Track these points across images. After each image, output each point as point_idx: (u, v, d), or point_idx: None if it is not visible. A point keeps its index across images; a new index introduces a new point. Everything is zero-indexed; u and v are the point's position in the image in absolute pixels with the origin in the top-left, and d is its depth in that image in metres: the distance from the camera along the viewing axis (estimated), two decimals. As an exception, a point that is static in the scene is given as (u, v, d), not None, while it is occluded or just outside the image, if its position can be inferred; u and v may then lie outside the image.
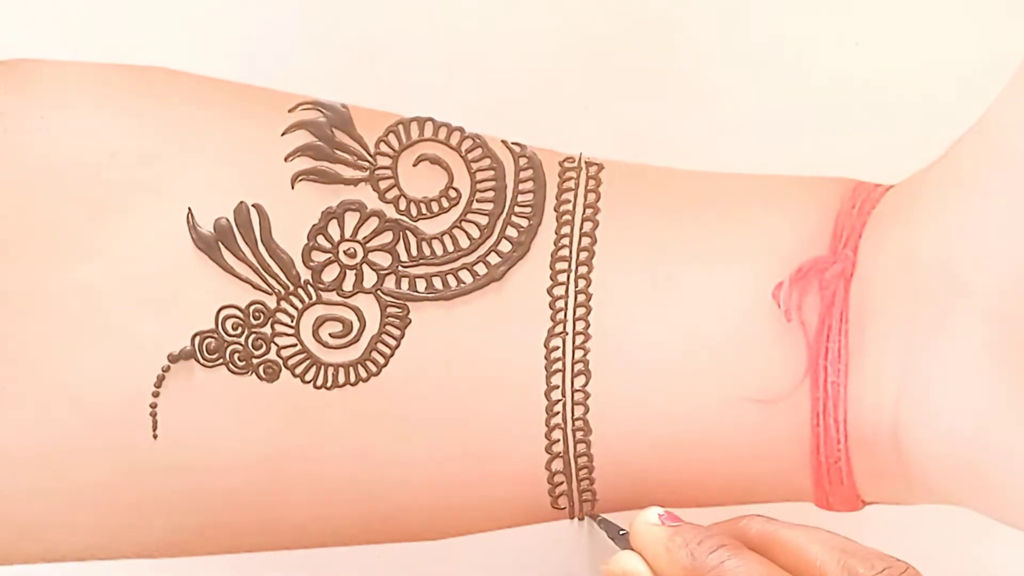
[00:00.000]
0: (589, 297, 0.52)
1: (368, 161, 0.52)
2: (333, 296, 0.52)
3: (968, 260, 0.48)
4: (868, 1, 0.54)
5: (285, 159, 0.51)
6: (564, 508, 0.53)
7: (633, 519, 0.49)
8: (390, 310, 0.52)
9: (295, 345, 0.52)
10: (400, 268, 0.52)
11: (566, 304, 0.52)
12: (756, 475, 0.52)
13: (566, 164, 0.53)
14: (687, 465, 0.52)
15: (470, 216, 0.52)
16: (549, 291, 0.52)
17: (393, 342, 0.52)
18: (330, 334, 0.52)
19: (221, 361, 0.51)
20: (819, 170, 0.53)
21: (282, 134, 0.51)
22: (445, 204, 0.52)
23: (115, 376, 0.51)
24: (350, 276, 0.52)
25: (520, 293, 0.52)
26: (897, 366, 0.50)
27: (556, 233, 0.52)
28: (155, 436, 0.51)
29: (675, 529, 0.47)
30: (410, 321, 0.52)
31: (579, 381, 0.52)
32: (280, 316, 0.52)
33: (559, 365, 0.52)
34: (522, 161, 0.52)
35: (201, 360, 0.51)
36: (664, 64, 0.54)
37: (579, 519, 0.53)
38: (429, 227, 0.52)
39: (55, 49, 0.51)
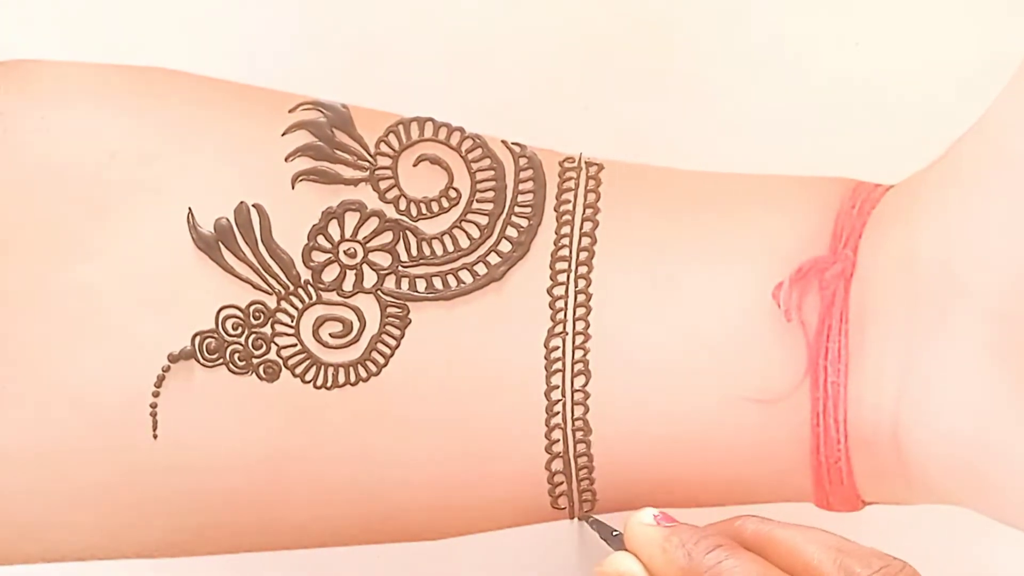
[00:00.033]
0: (589, 297, 0.52)
1: (368, 161, 0.52)
2: (333, 296, 0.52)
3: (968, 260, 0.48)
4: (868, 1, 0.54)
5: (285, 159, 0.51)
6: (564, 508, 0.53)
7: (626, 520, 0.49)
8: (390, 310, 0.52)
9: (295, 345, 0.52)
10: (400, 268, 0.52)
11: (566, 304, 0.52)
12: (756, 475, 0.52)
13: (566, 164, 0.53)
14: (687, 465, 0.52)
15: (470, 216, 0.52)
16: (549, 291, 0.52)
17: (393, 342, 0.52)
18: (330, 334, 0.52)
19: (221, 361, 0.51)
20: (819, 170, 0.53)
21: (282, 134, 0.52)
22: (445, 204, 0.52)
23: (115, 376, 0.51)
24: (350, 276, 0.52)
25: (520, 293, 0.52)
26: (897, 366, 0.50)
27: (556, 233, 0.52)
28: (155, 436, 0.51)
29: (671, 529, 0.47)
30: (410, 321, 0.52)
31: (579, 381, 0.52)
32: (280, 316, 0.52)
33: (559, 365, 0.52)
34: (522, 161, 0.52)
35: (201, 360, 0.51)
36: (664, 64, 0.54)
37: (577, 519, 0.53)
38: (429, 227, 0.52)
39: (55, 49, 0.51)
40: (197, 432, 0.51)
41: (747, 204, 0.52)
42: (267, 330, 0.52)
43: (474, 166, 0.52)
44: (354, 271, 0.52)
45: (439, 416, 0.52)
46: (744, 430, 0.51)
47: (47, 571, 0.52)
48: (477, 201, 0.52)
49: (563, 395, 0.52)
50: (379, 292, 0.52)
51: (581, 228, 0.52)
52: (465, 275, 0.52)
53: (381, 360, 0.52)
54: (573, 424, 0.52)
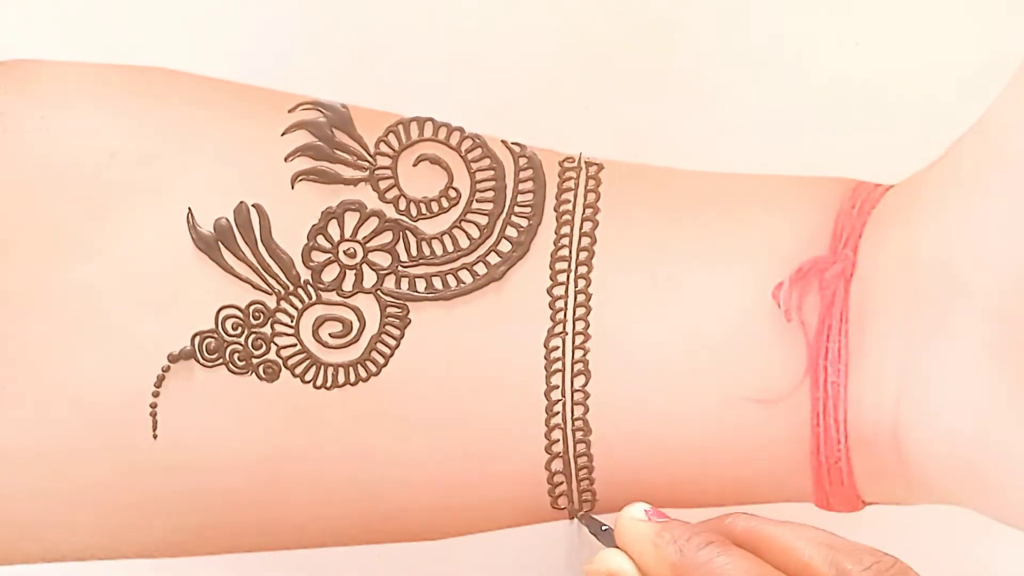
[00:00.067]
0: (589, 297, 0.52)
1: (368, 161, 0.52)
2: (333, 296, 0.52)
3: (968, 260, 0.48)
4: (868, 1, 0.54)
5: (285, 159, 0.52)
6: (564, 508, 0.53)
7: (617, 516, 0.49)
8: (390, 310, 0.52)
9: (295, 345, 0.52)
10: (400, 268, 0.52)
11: (566, 304, 0.52)
12: (756, 475, 0.52)
13: (566, 164, 0.53)
14: (687, 465, 0.52)
15: (470, 216, 0.52)
16: (549, 291, 0.52)
17: (393, 342, 0.52)
18: (330, 334, 0.52)
19: (221, 361, 0.51)
20: (819, 170, 0.53)
21: (282, 134, 0.52)
22: (445, 204, 0.52)
23: (115, 376, 0.51)
24: (350, 276, 0.52)
25: (520, 293, 0.52)
26: (897, 366, 0.50)
27: (556, 233, 0.52)
28: (155, 436, 0.51)
29: (662, 525, 0.47)
30: (410, 321, 0.52)
31: (579, 381, 0.52)
32: (280, 316, 0.52)
33: (559, 365, 0.52)
34: (522, 161, 0.52)
35: (201, 360, 0.51)
36: (664, 64, 0.54)
37: (570, 517, 0.53)
38: (429, 227, 0.52)
39: (55, 49, 0.51)
40: (197, 432, 0.51)
41: (747, 204, 0.52)
42: (267, 330, 0.52)
43: (474, 166, 0.52)
44: (354, 271, 0.52)
45: (439, 416, 0.52)
46: (744, 430, 0.51)
47: (47, 571, 0.52)
48: (477, 201, 0.52)
49: (563, 395, 0.52)
50: (379, 292, 0.52)
51: (581, 228, 0.52)
52: (465, 275, 0.52)
53: (381, 360, 0.52)
54: (573, 424, 0.52)
